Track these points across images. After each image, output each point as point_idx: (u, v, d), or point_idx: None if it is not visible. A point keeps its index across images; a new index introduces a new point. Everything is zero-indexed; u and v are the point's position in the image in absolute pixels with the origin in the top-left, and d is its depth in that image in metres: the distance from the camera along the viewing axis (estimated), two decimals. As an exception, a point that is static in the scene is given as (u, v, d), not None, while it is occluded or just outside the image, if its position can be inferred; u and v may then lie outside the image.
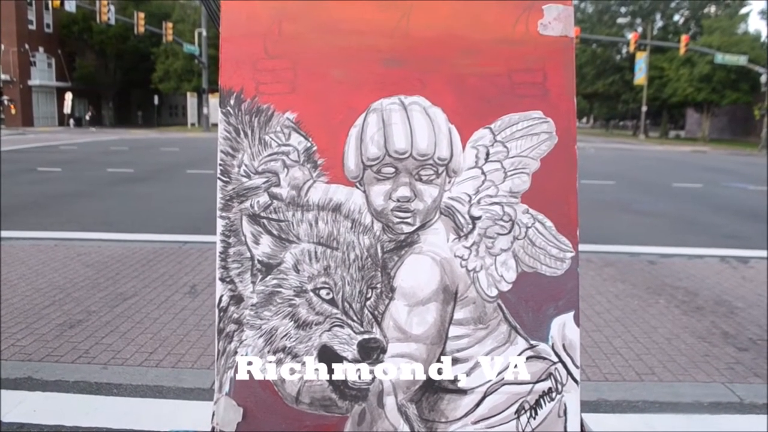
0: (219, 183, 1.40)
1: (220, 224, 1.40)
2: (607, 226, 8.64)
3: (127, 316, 4.35)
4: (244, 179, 1.40)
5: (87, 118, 39.87)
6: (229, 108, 1.41)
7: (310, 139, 1.41)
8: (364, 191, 1.40)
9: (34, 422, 2.92)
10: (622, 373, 3.62)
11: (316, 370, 1.39)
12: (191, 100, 45.50)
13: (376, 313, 1.38)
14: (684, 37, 34.28)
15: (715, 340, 4.19)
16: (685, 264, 6.37)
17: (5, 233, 7.01)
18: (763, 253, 6.98)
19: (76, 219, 8.42)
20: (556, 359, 1.42)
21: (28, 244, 6.55)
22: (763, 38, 44.17)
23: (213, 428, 1.40)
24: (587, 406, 3.19)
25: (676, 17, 51.89)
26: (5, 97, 39.25)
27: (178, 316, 4.39)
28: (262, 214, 1.39)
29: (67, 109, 39.67)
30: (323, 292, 1.38)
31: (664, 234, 8.34)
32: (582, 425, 1.43)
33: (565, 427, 1.41)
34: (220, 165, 1.40)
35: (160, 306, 4.59)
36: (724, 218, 9.75)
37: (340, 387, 1.39)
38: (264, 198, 1.39)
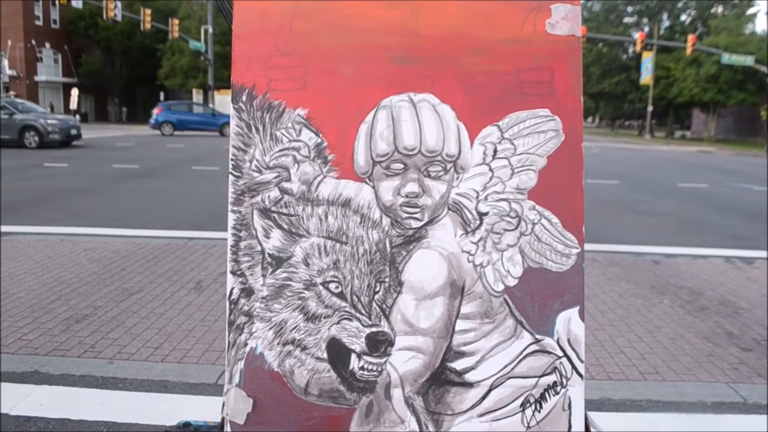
0: (231, 178, 1.42)
1: (231, 218, 1.41)
2: (612, 226, 8.64)
3: (133, 312, 4.38)
4: (256, 174, 1.42)
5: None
6: (241, 104, 1.43)
7: (321, 135, 1.43)
8: (374, 187, 1.42)
9: (40, 415, 2.95)
10: (626, 373, 3.63)
11: (325, 362, 1.41)
12: (197, 96, 45.53)
13: (384, 306, 1.40)
14: (691, 37, 34.16)
15: (719, 340, 4.19)
16: (689, 264, 6.37)
17: (12, 228, 7.06)
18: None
19: (82, 214, 8.46)
20: (561, 354, 1.44)
21: (35, 239, 6.59)
22: (770, 39, 43.96)
23: (223, 419, 1.42)
24: (591, 405, 3.20)
25: (683, 17, 51.73)
26: (12, 93, 39.37)
27: (184, 311, 4.42)
28: (273, 209, 1.41)
29: (74, 104, 39.78)
30: (332, 286, 1.40)
31: (669, 234, 8.33)
32: (586, 419, 1.45)
33: (570, 421, 1.43)
34: (232, 160, 1.42)
35: (166, 301, 4.62)
36: (729, 219, 9.73)
37: (348, 379, 1.40)
38: (275, 193, 1.41)
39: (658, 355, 3.88)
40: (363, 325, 1.39)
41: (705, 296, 5.20)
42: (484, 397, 1.42)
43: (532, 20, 1.46)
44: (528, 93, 1.45)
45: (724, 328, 4.42)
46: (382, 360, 1.40)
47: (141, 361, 3.59)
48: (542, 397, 1.43)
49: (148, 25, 34.20)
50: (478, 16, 1.47)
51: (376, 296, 1.40)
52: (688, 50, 33.69)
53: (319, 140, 1.42)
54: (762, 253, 7.02)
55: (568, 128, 1.45)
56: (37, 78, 42.80)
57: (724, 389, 3.47)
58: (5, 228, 6.96)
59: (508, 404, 1.42)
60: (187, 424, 1.50)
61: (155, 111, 31.66)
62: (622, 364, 3.74)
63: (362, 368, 1.40)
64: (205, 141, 25.36)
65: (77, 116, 37.00)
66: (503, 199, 1.43)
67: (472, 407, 1.42)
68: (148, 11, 34.21)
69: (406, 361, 1.41)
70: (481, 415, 1.42)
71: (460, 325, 1.42)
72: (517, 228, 1.43)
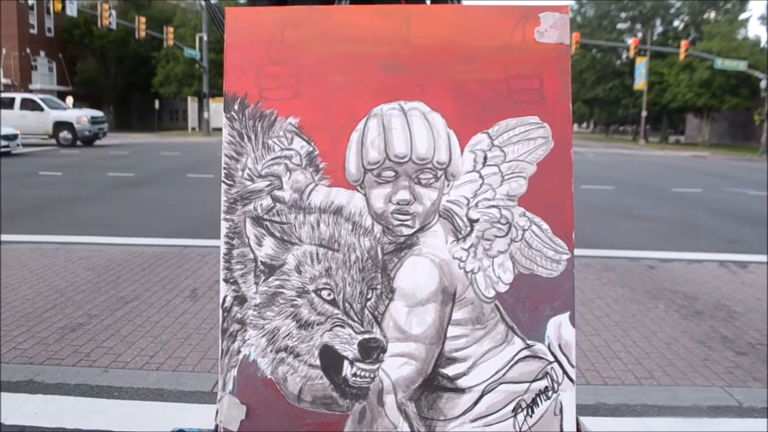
0: (223, 186, 1.43)
1: (224, 226, 1.42)
2: (607, 231, 8.67)
3: (128, 320, 4.38)
4: (248, 182, 1.42)
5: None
6: (233, 113, 1.44)
7: (312, 144, 1.43)
8: (365, 194, 1.42)
9: (35, 425, 2.94)
10: (621, 377, 3.64)
11: (318, 369, 1.41)
12: (192, 104, 45.51)
13: (376, 313, 1.41)
14: (684, 43, 34.36)
15: (714, 344, 4.21)
16: (684, 269, 6.39)
17: (7, 237, 7.04)
18: (762, 257, 7.00)
19: (77, 223, 8.44)
20: (552, 359, 1.44)
21: (30, 247, 6.58)
22: (762, 43, 44.24)
23: (217, 426, 1.42)
24: (586, 410, 3.21)
25: (676, 22, 52.02)
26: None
27: (179, 319, 4.41)
28: (265, 217, 1.42)
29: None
30: (324, 293, 1.40)
31: (664, 239, 8.36)
32: (578, 424, 1.46)
33: (561, 426, 1.44)
34: (225, 168, 1.43)
35: (161, 310, 4.62)
36: (723, 223, 9.77)
37: (341, 386, 1.41)
38: (267, 201, 1.42)
39: (654, 360, 3.89)
40: (355, 331, 1.40)
41: (700, 301, 5.22)
42: (476, 403, 1.43)
43: (521, 28, 1.47)
44: (517, 101, 1.46)
45: (719, 332, 4.43)
46: (375, 366, 1.41)
47: (136, 370, 3.59)
48: (534, 402, 1.43)
49: (142, 33, 34.25)
50: (468, 24, 1.48)
51: (368, 303, 1.41)
52: (681, 55, 33.86)
53: (311, 148, 1.43)
54: (756, 257, 7.05)
55: (557, 135, 1.46)
56: (31, 86, 42.72)
57: (720, 393, 3.48)
58: (0, 237, 6.95)
59: (500, 409, 1.43)
60: (181, 432, 1.50)
61: None
62: (617, 368, 3.75)
63: (355, 375, 1.40)
64: (201, 148, 25.34)
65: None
66: (494, 206, 1.44)
67: (464, 413, 1.42)
68: (143, 19, 34.27)
69: (398, 367, 1.41)
70: (473, 421, 1.42)
71: (452, 331, 1.43)
72: (507, 234, 1.44)
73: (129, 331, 4.17)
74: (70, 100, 39.14)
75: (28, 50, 42.17)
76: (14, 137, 19.77)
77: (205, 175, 14.65)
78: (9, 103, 24.66)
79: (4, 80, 39.92)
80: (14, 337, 3.99)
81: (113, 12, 33.01)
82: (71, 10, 31.81)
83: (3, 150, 18.95)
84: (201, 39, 39.62)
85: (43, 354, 3.75)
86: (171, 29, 37.07)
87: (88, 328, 4.19)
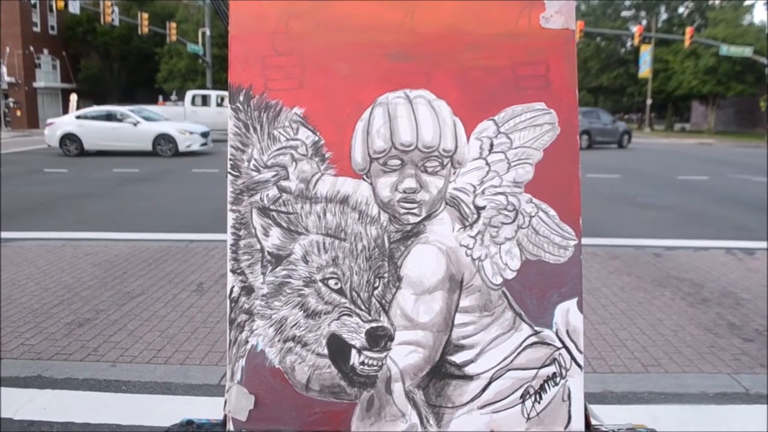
0: (229, 177, 1.43)
1: (230, 217, 1.42)
2: (613, 220, 8.65)
3: (135, 315, 4.40)
4: (254, 173, 1.43)
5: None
6: (238, 104, 1.44)
7: (318, 134, 1.43)
8: (371, 183, 1.42)
9: (44, 419, 2.97)
10: (628, 365, 3.64)
11: (326, 358, 1.42)
12: (195, 99, 45.44)
13: (383, 301, 1.41)
14: (688, 30, 34.06)
15: (720, 331, 4.20)
16: (690, 256, 6.38)
17: (13, 234, 7.07)
18: (768, 244, 6.98)
19: (83, 219, 8.47)
20: (560, 345, 1.44)
21: (36, 244, 6.61)
22: None
23: (225, 416, 1.43)
24: (593, 398, 3.21)
25: (681, 9, 51.60)
26: (11, 100, 39.39)
27: (186, 313, 4.43)
28: (272, 207, 1.42)
29: (73, 110, 39.78)
30: (332, 282, 1.41)
31: (670, 226, 8.34)
32: (586, 410, 1.46)
33: (569, 411, 1.44)
34: (231, 160, 1.43)
35: (168, 304, 4.64)
36: (729, 210, 9.73)
37: (349, 374, 1.41)
38: (273, 191, 1.42)
39: (660, 348, 3.90)
40: (363, 320, 1.40)
41: (706, 288, 5.21)
42: (484, 390, 1.43)
43: (527, 14, 1.47)
44: (523, 87, 1.46)
45: (726, 320, 4.43)
46: (383, 355, 1.41)
47: (144, 364, 3.61)
48: (542, 388, 1.43)
49: (145, 29, 34.21)
50: (473, 11, 1.47)
51: (376, 292, 1.41)
52: (686, 42, 33.58)
53: (317, 138, 1.43)
54: (763, 244, 7.02)
55: (563, 121, 1.46)
56: (35, 84, 42.81)
57: (727, 380, 3.48)
58: (7, 234, 6.98)
59: (508, 396, 1.43)
60: (189, 422, 1.51)
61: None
62: (624, 356, 3.75)
63: (363, 363, 1.41)
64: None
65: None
66: (500, 193, 1.44)
67: (473, 400, 1.43)
68: (146, 15, 34.22)
69: (406, 355, 1.42)
70: (482, 408, 1.43)
71: (460, 318, 1.43)
72: (514, 221, 1.44)
73: (136, 325, 4.19)
74: (74, 97, 39.22)
75: (31, 48, 42.19)
76: (207, 134, 20.94)
77: (209, 170, 14.67)
78: (205, 101, 26.36)
79: (8, 78, 39.98)
80: (22, 333, 4.02)
81: (116, 9, 32.96)
82: (74, 8, 31.76)
83: (200, 148, 19.81)
84: (204, 34, 39.56)
85: (51, 349, 3.78)
86: (174, 25, 37.01)
87: (96, 323, 4.21)
